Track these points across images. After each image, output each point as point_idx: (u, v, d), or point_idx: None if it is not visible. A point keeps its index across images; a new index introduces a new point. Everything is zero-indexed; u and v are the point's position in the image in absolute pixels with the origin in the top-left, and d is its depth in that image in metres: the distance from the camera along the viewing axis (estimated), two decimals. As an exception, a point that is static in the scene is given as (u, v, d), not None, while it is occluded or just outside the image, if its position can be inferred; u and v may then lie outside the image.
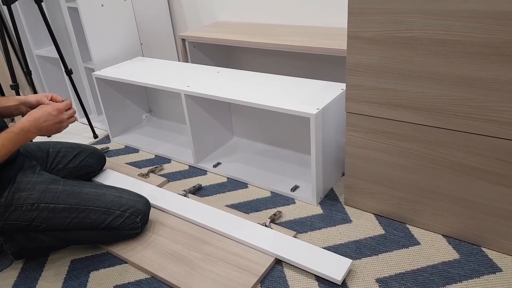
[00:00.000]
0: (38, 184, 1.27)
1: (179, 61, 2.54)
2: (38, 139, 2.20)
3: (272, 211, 1.49)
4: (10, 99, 1.37)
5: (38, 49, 2.46)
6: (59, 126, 1.25)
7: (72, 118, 1.28)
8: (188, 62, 2.26)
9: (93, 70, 2.13)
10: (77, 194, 1.29)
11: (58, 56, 2.05)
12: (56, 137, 2.26)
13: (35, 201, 1.24)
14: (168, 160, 1.91)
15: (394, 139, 1.25)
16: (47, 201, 1.25)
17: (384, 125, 1.25)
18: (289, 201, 1.54)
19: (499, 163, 1.11)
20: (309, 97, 1.47)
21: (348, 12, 1.16)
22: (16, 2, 2.03)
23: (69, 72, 2.07)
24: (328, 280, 1.17)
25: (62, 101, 1.34)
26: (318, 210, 1.47)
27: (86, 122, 2.22)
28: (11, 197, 1.22)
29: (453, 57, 1.05)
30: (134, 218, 1.32)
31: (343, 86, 1.53)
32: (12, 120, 2.33)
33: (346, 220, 1.41)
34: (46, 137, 2.28)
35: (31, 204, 1.23)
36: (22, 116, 1.30)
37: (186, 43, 2.21)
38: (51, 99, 1.37)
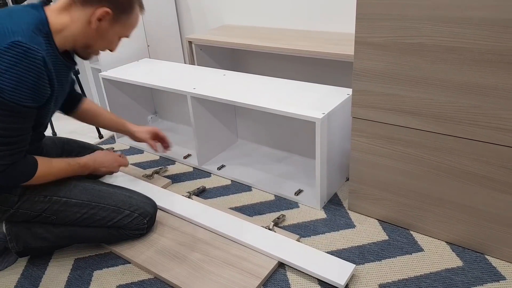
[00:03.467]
0: None
1: (185, 63, 2.55)
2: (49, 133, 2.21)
3: (275, 215, 1.49)
4: (124, 126, 1.60)
5: (45, 48, 2.48)
6: (103, 172, 1.44)
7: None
8: (194, 64, 2.27)
9: (100, 71, 2.14)
10: (89, 190, 1.30)
11: (65, 56, 2.07)
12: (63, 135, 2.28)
13: (48, 193, 1.25)
14: (172, 162, 1.92)
15: (399, 145, 1.25)
16: (60, 195, 1.26)
17: (389, 131, 1.26)
18: (292, 205, 1.54)
19: (505, 171, 1.11)
20: (315, 101, 1.47)
21: (356, 18, 1.17)
22: (25, 2, 2.05)
23: (76, 72, 2.08)
24: (330, 285, 1.17)
25: (162, 136, 1.63)
26: (321, 215, 1.47)
27: (92, 122, 2.23)
28: (25, 187, 1.23)
29: (461, 64, 1.06)
30: (141, 219, 1.33)
31: (349, 91, 1.54)
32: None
33: (350, 225, 1.41)
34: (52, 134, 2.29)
35: (43, 196, 1.24)
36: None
37: (193, 45, 2.23)
38: (154, 136, 1.62)
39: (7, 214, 1.24)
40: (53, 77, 1.10)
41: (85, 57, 1.24)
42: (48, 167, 1.22)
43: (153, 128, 1.63)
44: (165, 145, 1.66)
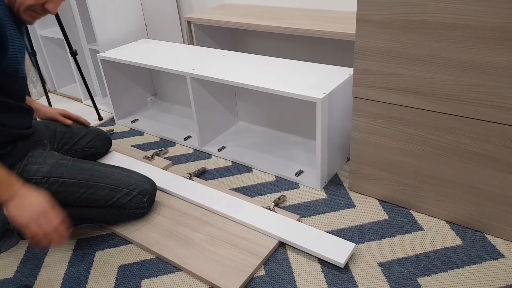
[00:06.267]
0: (49, 158, 1.28)
1: (184, 43, 2.52)
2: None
3: (276, 195, 1.49)
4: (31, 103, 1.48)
5: (42, 29, 2.45)
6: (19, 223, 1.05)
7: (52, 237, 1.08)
8: (193, 44, 2.24)
9: (98, 52, 2.12)
10: (86, 170, 1.30)
11: (63, 37, 2.04)
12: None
13: (45, 175, 1.25)
14: (173, 143, 1.91)
15: (401, 124, 1.25)
16: (57, 175, 1.26)
17: (391, 111, 1.25)
18: (293, 185, 1.54)
19: (507, 150, 1.10)
20: (316, 81, 1.46)
21: (358, -5, 1.14)
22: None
23: (73, 53, 2.06)
24: (331, 263, 1.18)
25: (75, 118, 1.62)
26: (322, 195, 1.47)
27: (91, 104, 2.22)
28: (22, 169, 1.23)
29: (463, 41, 1.04)
30: (141, 198, 1.33)
31: (350, 70, 1.52)
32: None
33: (350, 205, 1.41)
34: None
35: (41, 177, 1.24)
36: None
37: (192, 25, 2.19)
38: (65, 116, 1.57)
39: None
40: (6, 33, 1.08)
41: (29, 20, 1.18)
42: None
43: (63, 110, 1.59)
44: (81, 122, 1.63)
